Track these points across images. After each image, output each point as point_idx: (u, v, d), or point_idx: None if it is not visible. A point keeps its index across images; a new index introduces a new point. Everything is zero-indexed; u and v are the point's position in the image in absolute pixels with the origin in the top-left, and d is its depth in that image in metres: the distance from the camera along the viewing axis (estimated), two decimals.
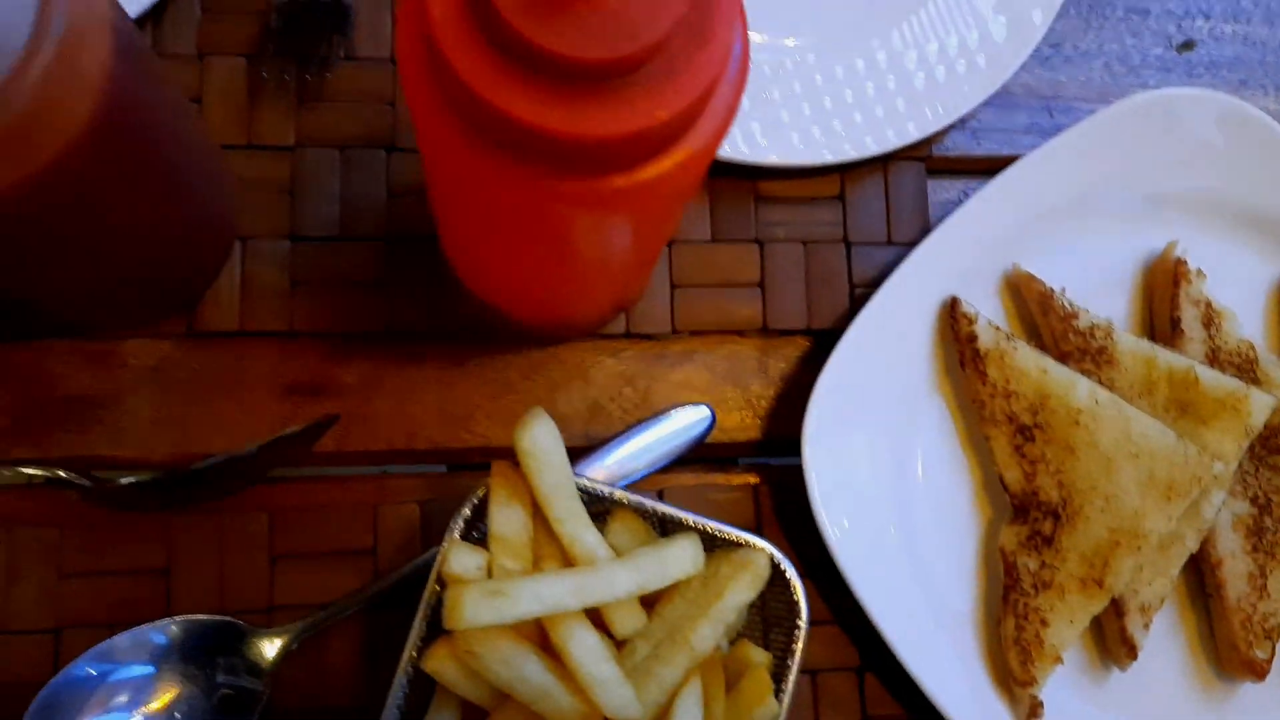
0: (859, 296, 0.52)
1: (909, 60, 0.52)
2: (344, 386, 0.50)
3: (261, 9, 0.51)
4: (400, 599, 0.46)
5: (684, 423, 0.50)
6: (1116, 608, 0.47)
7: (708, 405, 0.51)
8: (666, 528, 0.43)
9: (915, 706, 0.49)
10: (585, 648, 0.39)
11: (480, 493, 0.41)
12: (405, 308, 0.50)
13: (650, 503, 0.42)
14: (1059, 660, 0.46)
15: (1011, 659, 0.46)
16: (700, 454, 0.51)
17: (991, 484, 0.50)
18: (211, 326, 0.49)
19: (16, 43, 0.28)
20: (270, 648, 0.45)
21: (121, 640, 0.43)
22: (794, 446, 0.48)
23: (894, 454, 0.49)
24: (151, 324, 0.49)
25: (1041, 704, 0.46)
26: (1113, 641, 0.48)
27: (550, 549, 0.41)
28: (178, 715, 0.44)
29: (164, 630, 0.44)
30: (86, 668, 0.42)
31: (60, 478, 0.45)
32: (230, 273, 0.50)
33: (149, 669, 0.44)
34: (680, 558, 0.40)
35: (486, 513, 0.41)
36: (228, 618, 0.46)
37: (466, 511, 0.41)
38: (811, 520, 0.47)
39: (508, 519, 0.40)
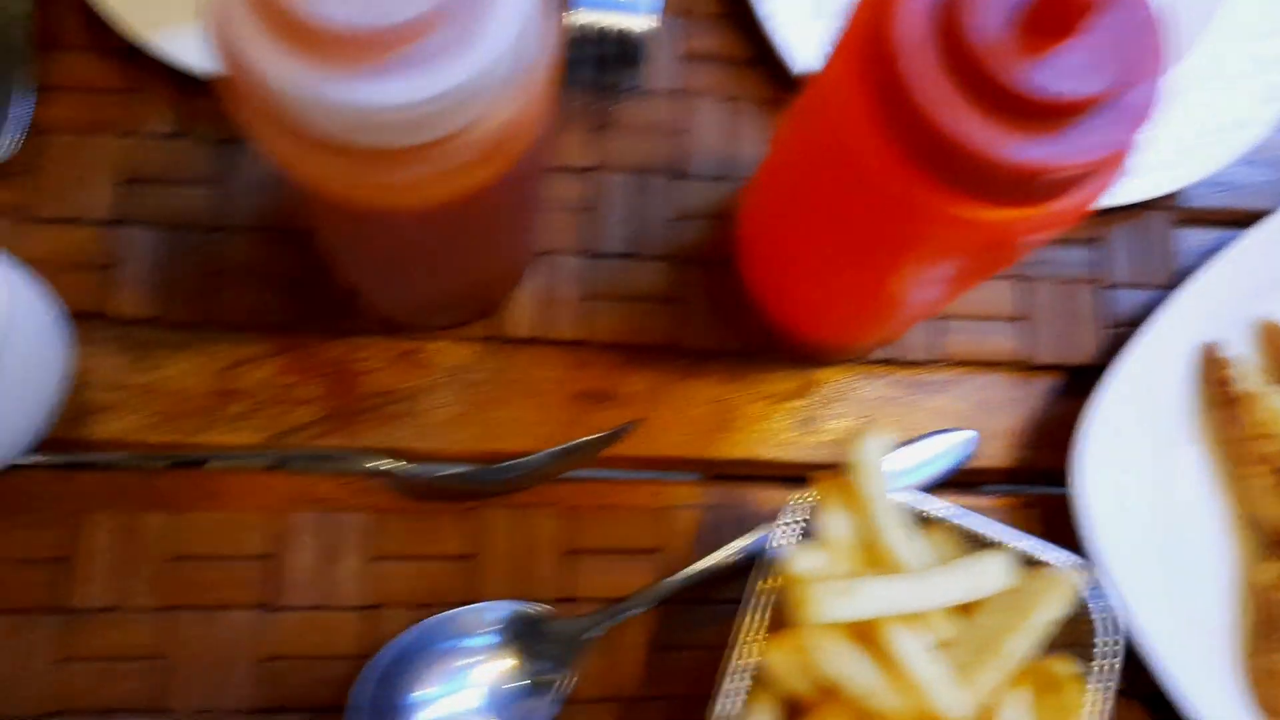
0: (1111, 336, 0.55)
1: (1165, 118, 0.55)
2: (628, 395, 0.53)
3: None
4: (685, 596, 0.49)
5: (946, 447, 0.53)
6: None
7: (968, 430, 0.53)
8: (976, 542, 0.45)
9: None
10: (915, 649, 0.42)
11: (807, 499, 0.44)
12: (688, 324, 0.53)
13: (961, 517, 0.45)
14: None
15: (1266, 696, 0.49)
16: (954, 480, 0.53)
17: (1245, 522, 0.53)
18: (509, 333, 0.52)
19: (533, 57, 0.32)
20: (574, 635, 0.48)
21: (461, 614, 0.47)
22: (1048, 477, 0.51)
23: (1154, 488, 0.52)
24: (456, 327, 0.52)
25: None
26: None
27: (872, 555, 0.44)
28: (499, 690, 0.47)
29: (493, 610, 0.47)
30: (433, 632, 0.46)
31: (385, 470, 0.48)
32: (529, 284, 0.53)
33: (484, 642, 0.47)
34: (997, 570, 0.43)
35: (812, 518, 0.44)
36: (539, 605, 0.49)
37: (795, 516, 0.44)
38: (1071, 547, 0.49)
39: (838, 525, 0.43)
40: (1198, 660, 0.50)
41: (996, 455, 0.54)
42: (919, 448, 0.53)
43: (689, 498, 0.52)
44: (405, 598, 0.49)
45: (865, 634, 0.43)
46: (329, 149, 0.30)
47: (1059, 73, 0.30)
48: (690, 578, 0.49)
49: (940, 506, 0.45)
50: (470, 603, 0.49)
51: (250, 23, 0.28)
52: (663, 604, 0.50)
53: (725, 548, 0.50)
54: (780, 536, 0.44)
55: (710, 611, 0.51)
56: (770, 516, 0.50)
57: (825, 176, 0.38)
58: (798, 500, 0.44)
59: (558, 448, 0.49)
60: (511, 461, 0.49)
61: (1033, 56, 0.30)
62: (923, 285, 0.42)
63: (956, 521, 0.45)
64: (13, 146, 0.49)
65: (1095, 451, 0.50)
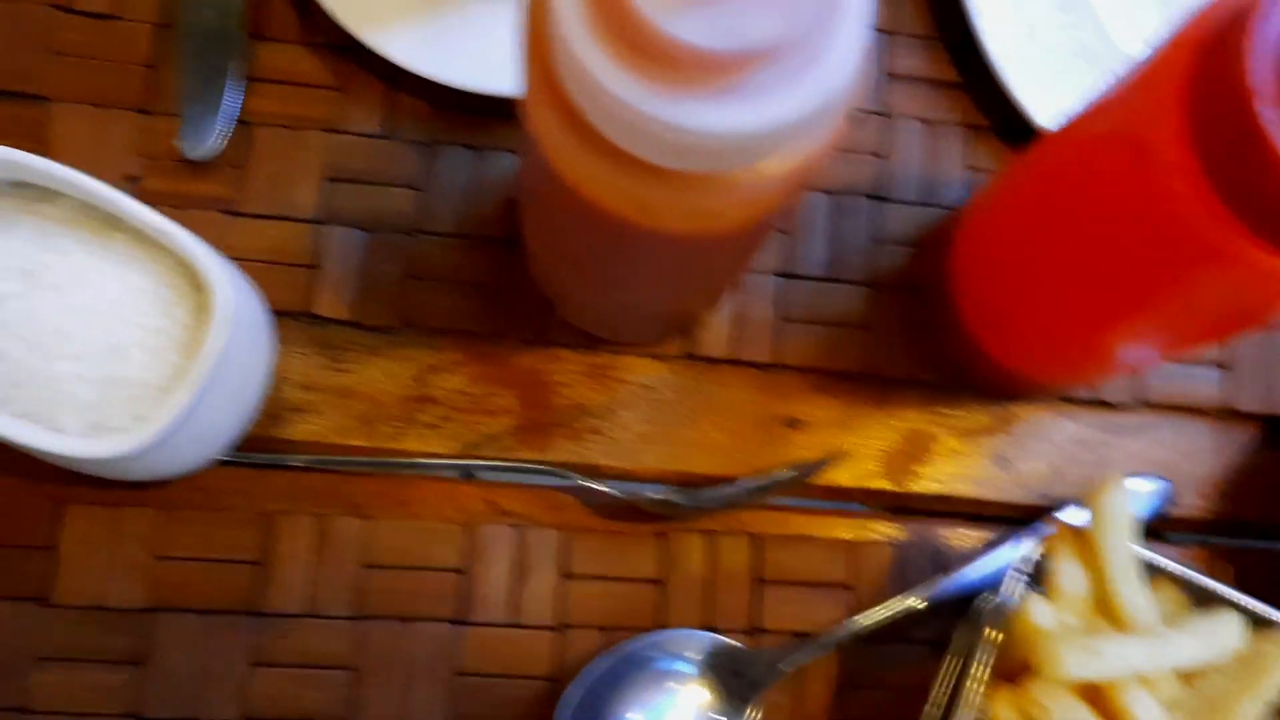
0: None
1: None
2: (820, 421, 0.52)
3: None
4: (874, 635, 0.48)
5: (1140, 493, 0.52)
6: None
7: (1165, 479, 0.52)
8: (1204, 600, 0.44)
9: None
10: (1149, 711, 0.40)
11: (1038, 549, 0.43)
12: (884, 351, 0.52)
13: (1192, 574, 0.43)
14: None
15: None
16: (1151, 528, 0.52)
17: None
18: (703, 352, 0.52)
19: (847, 90, 0.30)
20: (765, 668, 0.47)
21: (664, 639, 0.46)
22: (1246, 529, 0.51)
23: None
24: (653, 344, 0.51)
25: None
26: None
27: (1104, 610, 0.42)
28: (696, 716, 0.46)
29: (694, 639, 0.46)
30: (645, 650, 0.46)
31: (583, 486, 0.48)
32: (725, 305, 0.52)
33: (684, 670, 0.46)
34: (1230, 632, 0.42)
35: (1042, 568, 0.42)
36: (729, 638, 0.48)
37: (1025, 566, 0.43)
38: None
39: (1072, 577, 0.41)
40: None
41: (1193, 504, 0.52)
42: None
43: (881, 532, 0.51)
44: (595, 619, 0.48)
45: (1093, 692, 0.41)
46: (637, 169, 0.29)
47: None
48: (885, 618, 0.48)
49: (1170, 561, 0.43)
50: (659, 628, 0.48)
51: (588, 33, 0.27)
52: (849, 640, 0.49)
53: (920, 587, 0.49)
54: (1009, 585, 0.42)
55: (900, 651, 0.50)
56: (964, 556, 0.49)
57: (1101, 223, 0.37)
58: (1029, 548, 0.43)
59: (756, 482, 0.48)
60: (711, 491, 0.48)
61: None
62: (1182, 336, 0.40)
63: (1187, 578, 0.43)
64: (223, 139, 0.49)
65: None
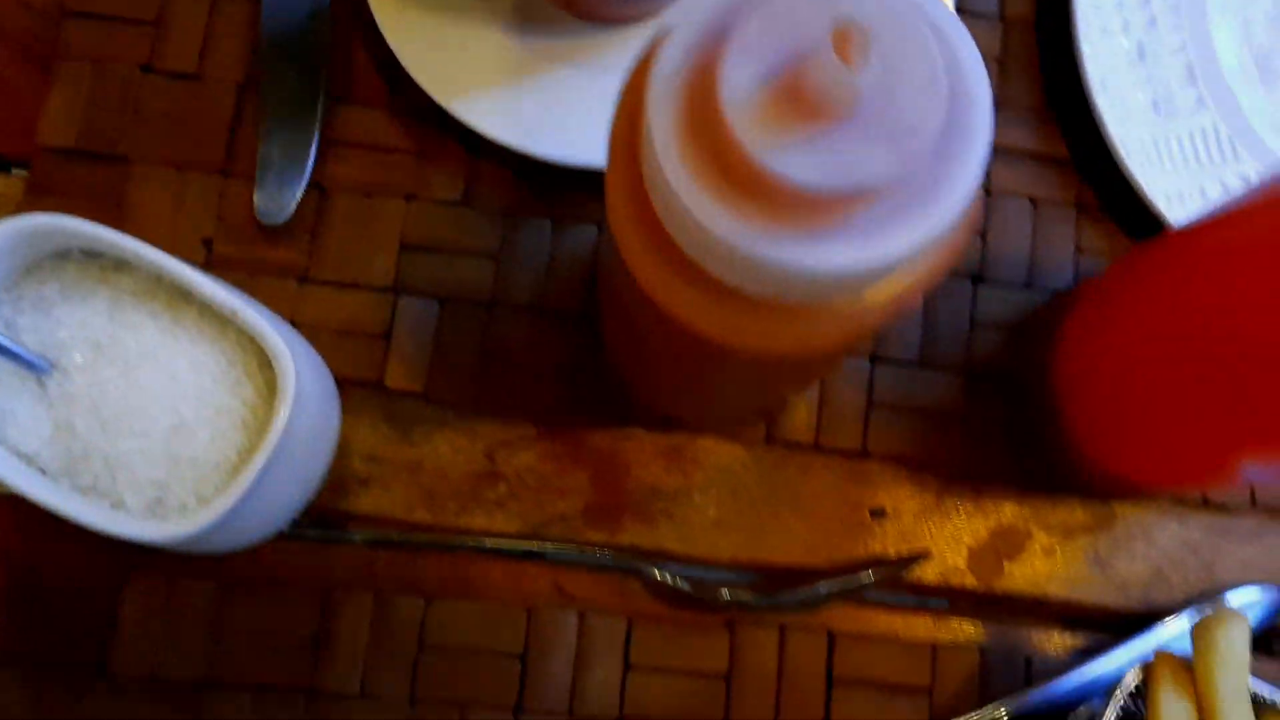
0: None
1: None
2: (905, 512, 0.49)
3: None
4: None
5: (1251, 603, 0.48)
6: None
7: (1277, 588, 0.48)
8: None
9: None
10: None
11: (1136, 679, 0.40)
12: (978, 444, 0.49)
13: None
14: None
15: None
16: (1260, 640, 0.48)
17: None
18: (787, 436, 0.49)
19: (960, 223, 0.28)
20: None
21: None
22: None
23: None
24: (733, 429, 0.49)
25: None
26: None
27: None
28: None
29: None
30: None
31: (660, 578, 0.45)
32: (812, 389, 0.49)
33: None
34: None
35: (1140, 699, 0.39)
36: None
37: (1122, 697, 0.39)
38: None
39: (1174, 712, 0.38)
40: None
41: None
42: (1217, 601, 0.47)
43: (966, 634, 0.48)
44: (658, 713, 0.47)
45: None
46: (732, 298, 0.27)
47: None
48: None
49: (1273, 691, 0.40)
50: None
51: (686, 164, 0.24)
52: None
53: (1006, 699, 0.46)
54: (1106, 714, 0.39)
55: None
56: (1055, 665, 0.46)
57: (1239, 334, 0.34)
58: (1131, 677, 0.40)
59: (837, 584, 0.45)
60: (788, 594, 0.46)
61: None
62: None
63: None
64: (297, 204, 0.48)
65: None
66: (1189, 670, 0.39)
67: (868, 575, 0.45)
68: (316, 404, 0.43)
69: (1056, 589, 0.49)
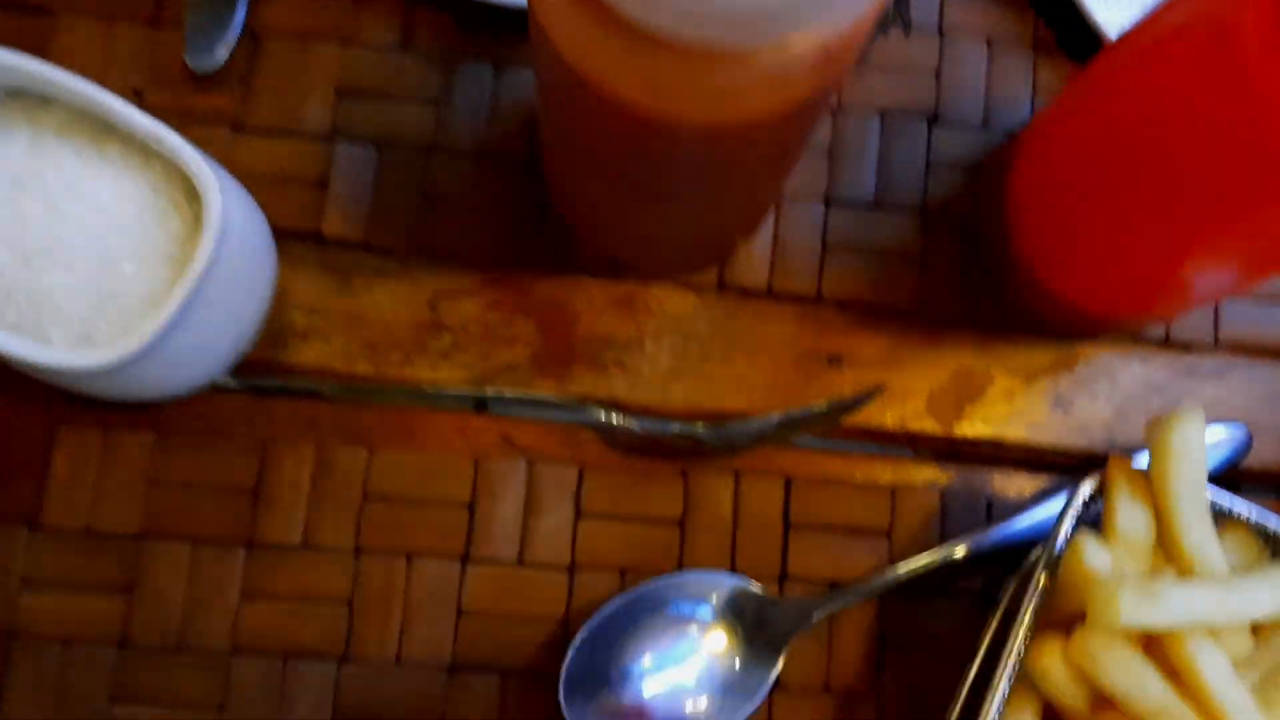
0: None
1: None
2: (863, 358, 0.48)
3: None
4: (912, 586, 0.44)
5: (1214, 442, 0.47)
6: None
7: (1243, 426, 0.47)
8: (1277, 551, 0.39)
9: None
10: (1216, 667, 0.36)
11: (1090, 487, 0.38)
12: (935, 285, 0.48)
13: (1270, 518, 0.39)
14: None
15: None
16: (1216, 480, 0.47)
17: None
18: (738, 282, 0.48)
19: None
20: (790, 617, 0.43)
21: (688, 578, 0.44)
22: None
23: None
24: (683, 274, 0.47)
25: None
26: None
27: (1166, 556, 0.38)
28: (712, 666, 0.42)
29: (714, 581, 0.43)
30: (661, 592, 0.43)
31: (602, 421, 0.44)
32: (764, 232, 0.48)
33: (701, 614, 0.42)
34: None
35: (1096, 509, 0.38)
36: (756, 584, 0.44)
37: (1078, 503, 0.38)
38: None
39: (1132, 518, 0.37)
40: None
41: (1272, 455, 0.47)
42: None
43: (924, 477, 0.47)
44: (610, 560, 0.45)
45: (1153, 644, 0.37)
46: (651, 46, 0.26)
47: None
48: (924, 566, 0.44)
49: (1244, 505, 0.39)
50: (679, 571, 0.45)
51: None
52: (886, 592, 0.45)
53: (966, 535, 0.45)
54: (1061, 528, 0.38)
55: (943, 606, 0.46)
56: (1015, 504, 0.45)
57: (1175, 127, 0.33)
58: (1087, 488, 0.39)
59: (791, 413, 0.44)
60: (740, 424, 0.44)
61: None
62: (1264, 256, 0.36)
63: (1263, 523, 0.39)
64: (229, 51, 0.46)
65: None
66: (1146, 478, 0.38)
67: (820, 405, 0.44)
68: (247, 238, 0.42)
69: (1017, 432, 0.48)
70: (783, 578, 0.46)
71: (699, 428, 0.44)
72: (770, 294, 0.48)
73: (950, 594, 0.46)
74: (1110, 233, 0.40)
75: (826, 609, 0.44)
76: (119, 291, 0.40)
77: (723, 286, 0.48)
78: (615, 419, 0.45)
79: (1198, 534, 0.37)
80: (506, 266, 0.48)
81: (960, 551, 0.44)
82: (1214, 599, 0.35)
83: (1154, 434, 0.37)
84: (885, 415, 0.47)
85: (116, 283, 0.40)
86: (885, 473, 0.47)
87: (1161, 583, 0.35)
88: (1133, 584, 0.35)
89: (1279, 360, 0.49)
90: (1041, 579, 0.38)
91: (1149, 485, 0.38)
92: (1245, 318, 0.48)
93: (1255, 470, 0.48)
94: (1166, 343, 0.48)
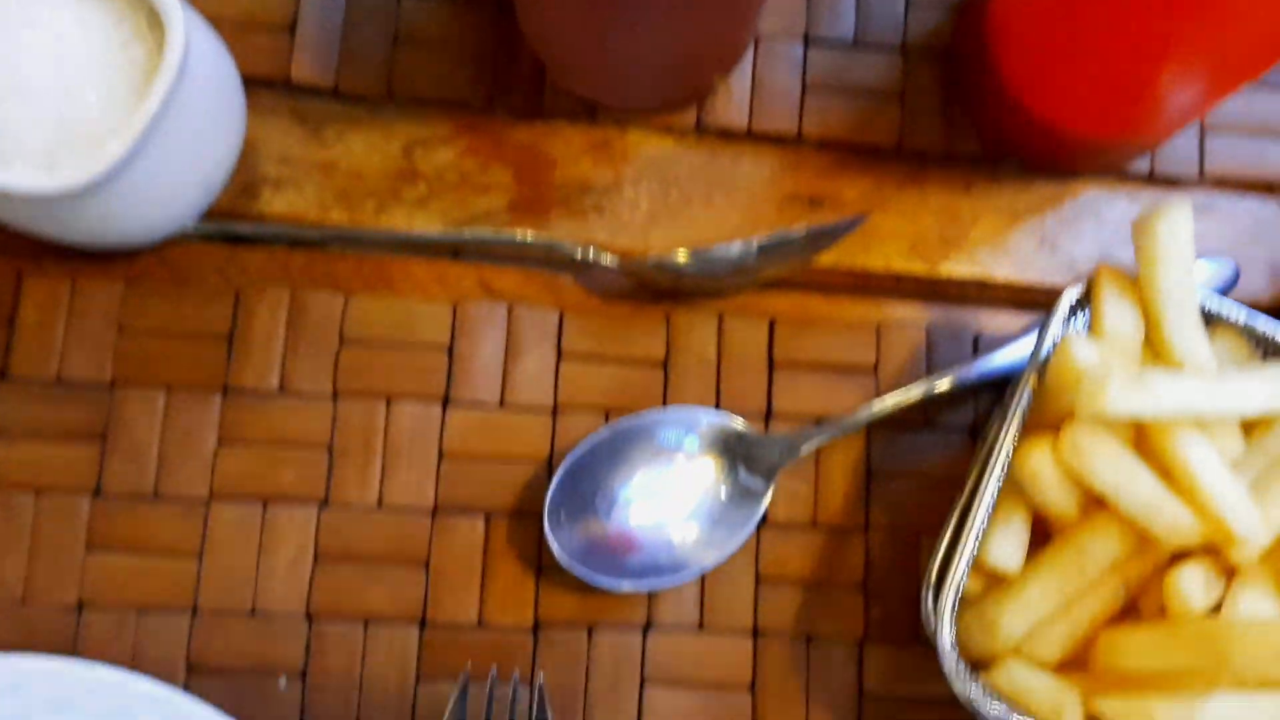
0: None
1: None
2: (844, 199, 0.47)
3: None
4: (899, 421, 0.44)
5: (1201, 275, 0.46)
6: None
7: (1231, 260, 0.46)
8: (1271, 355, 0.39)
9: None
10: (1206, 460, 0.35)
11: (1077, 291, 0.38)
12: (917, 123, 0.48)
13: (1259, 319, 0.38)
14: None
15: None
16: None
17: None
18: (717, 124, 0.47)
19: None
20: (776, 452, 0.43)
21: (674, 411, 0.42)
22: None
23: None
24: (658, 113, 0.46)
25: None
26: None
27: (1158, 357, 0.37)
28: (699, 498, 0.41)
29: (696, 415, 0.42)
30: (646, 425, 0.42)
31: (579, 258, 0.44)
32: (743, 73, 0.47)
33: (685, 447, 0.42)
34: None
35: (1083, 313, 0.37)
36: (740, 419, 0.43)
37: (1065, 307, 0.38)
38: None
39: (1120, 317, 0.37)
40: None
41: (1259, 289, 0.47)
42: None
43: (909, 316, 0.46)
44: (591, 401, 0.44)
45: (1143, 444, 0.36)
46: None
47: None
48: (910, 399, 0.43)
49: (1234, 307, 0.38)
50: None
51: None
52: (873, 427, 0.44)
53: (953, 369, 0.44)
54: (1049, 332, 0.37)
55: (931, 440, 0.45)
56: (1001, 340, 0.44)
57: None
58: (1070, 290, 0.38)
59: (772, 236, 0.43)
60: (719, 248, 0.43)
61: None
62: (1242, 57, 0.35)
63: (1252, 324, 0.38)
64: None
65: None
66: (1134, 281, 0.37)
67: (801, 229, 0.43)
68: (213, 72, 0.41)
69: (1002, 270, 0.47)
70: (768, 416, 0.45)
71: (679, 256, 0.43)
72: (750, 135, 0.47)
73: (938, 428, 0.45)
74: (1089, 42, 0.40)
75: (814, 441, 0.43)
76: (82, 120, 0.39)
77: (701, 129, 0.47)
78: (592, 255, 0.44)
79: (1186, 332, 0.36)
80: (481, 112, 0.47)
81: (946, 384, 0.44)
82: (1203, 391, 0.35)
83: (1140, 230, 0.36)
84: (869, 256, 0.47)
85: (79, 112, 0.39)
86: (870, 312, 0.46)
87: (1153, 373, 0.34)
88: (1123, 374, 0.34)
89: (1265, 194, 0.48)
90: (1030, 381, 0.37)
91: (1137, 287, 0.37)
92: (1230, 151, 0.48)
93: (1243, 303, 0.47)
94: (1151, 178, 0.48)
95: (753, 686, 0.43)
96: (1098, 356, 0.36)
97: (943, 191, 0.47)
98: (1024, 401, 0.37)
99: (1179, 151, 0.48)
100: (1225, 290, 0.46)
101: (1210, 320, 0.38)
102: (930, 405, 0.45)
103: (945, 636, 0.36)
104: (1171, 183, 0.48)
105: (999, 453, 0.37)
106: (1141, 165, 0.48)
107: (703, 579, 0.43)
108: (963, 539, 0.36)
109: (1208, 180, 0.48)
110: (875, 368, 0.45)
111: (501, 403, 0.44)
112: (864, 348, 0.46)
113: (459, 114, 0.47)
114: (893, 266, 0.47)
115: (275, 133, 0.46)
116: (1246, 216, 0.48)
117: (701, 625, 0.43)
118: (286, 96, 0.46)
